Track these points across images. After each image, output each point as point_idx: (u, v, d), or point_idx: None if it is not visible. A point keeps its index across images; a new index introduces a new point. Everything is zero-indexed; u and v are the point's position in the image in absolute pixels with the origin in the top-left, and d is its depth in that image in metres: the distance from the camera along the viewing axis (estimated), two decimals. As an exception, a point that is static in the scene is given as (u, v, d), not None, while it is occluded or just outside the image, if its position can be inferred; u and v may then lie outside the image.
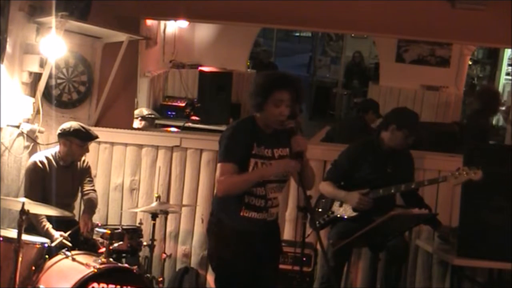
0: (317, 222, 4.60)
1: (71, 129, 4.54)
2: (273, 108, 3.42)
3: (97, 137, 4.69)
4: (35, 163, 4.52)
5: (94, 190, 4.84)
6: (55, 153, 4.62)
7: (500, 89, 10.62)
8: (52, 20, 4.48)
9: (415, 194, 4.68)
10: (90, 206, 4.71)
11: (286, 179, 3.57)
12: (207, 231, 3.66)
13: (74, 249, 4.28)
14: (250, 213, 3.49)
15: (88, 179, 4.81)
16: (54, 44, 4.57)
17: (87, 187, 4.78)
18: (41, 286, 4.03)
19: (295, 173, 3.38)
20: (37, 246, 4.12)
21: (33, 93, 4.94)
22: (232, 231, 3.52)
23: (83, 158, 4.76)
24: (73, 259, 4.12)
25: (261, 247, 3.55)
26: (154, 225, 4.58)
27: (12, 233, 4.06)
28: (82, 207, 4.92)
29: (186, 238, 5.35)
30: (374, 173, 4.49)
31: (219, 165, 3.45)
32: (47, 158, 4.57)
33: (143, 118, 6.35)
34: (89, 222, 4.55)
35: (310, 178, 3.57)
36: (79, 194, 4.82)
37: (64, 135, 4.56)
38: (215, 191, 5.20)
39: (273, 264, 3.68)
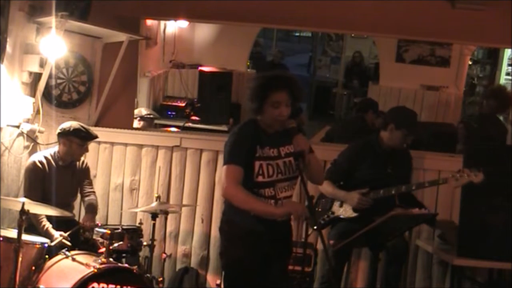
0: (317, 222, 4.60)
1: (71, 128, 4.54)
2: (272, 110, 3.41)
3: (96, 136, 4.68)
4: (34, 163, 4.52)
5: (94, 192, 4.83)
6: (54, 153, 4.62)
7: (500, 89, 10.60)
8: (52, 20, 4.47)
9: (411, 196, 4.65)
10: (91, 210, 4.69)
11: (296, 175, 3.54)
12: (219, 229, 3.67)
13: (74, 249, 4.28)
14: None
15: (87, 181, 4.81)
16: (54, 44, 4.57)
17: (87, 189, 4.78)
18: (41, 286, 4.02)
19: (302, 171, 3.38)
20: (37, 246, 4.11)
21: (33, 93, 4.94)
22: (241, 231, 3.52)
23: (82, 158, 4.76)
24: (73, 259, 4.12)
25: (270, 248, 3.54)
26: (154, 225, 4.58)
27: (12, 233, 4.06)
28: (82, 208, 4.94)
29: (186, 238, 5.34)
30: (374, 173, 4.49)
31: (224, 167, 3.44)
32: (46, 158, 4.57)
33: (141, 118, 6.34)
34: (91, 220, 4.55)
35: (317, 173, 3.61)
36: (79, 195, 4.82)
37: (64, 135, 4.55)
38: (215, 191, 5.26)
39: (282, 265, 3.67)
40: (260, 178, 3.44)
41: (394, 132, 4.47)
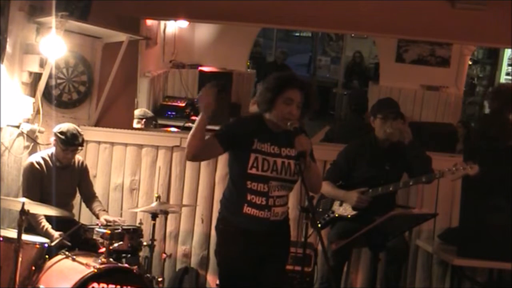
0: (318, 222, 4.60)
1: (58, 130, 4.51)
2: (283, 106, 3.42)
3: (80, 144, 4.56)
4: (31, 164, 4.52)
5: (99, 202, 4.85)
6: (52, 153, 4.61)
7: (500, 89, 10.60)
8: (52, 20, 4.48)
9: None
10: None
11: (293, 179, 3.53)
12: (215, 228, 3.68)
13: (74, 249, 4.29)
14: (252, 210, 3.47)
15: (89, 186, 4.82)
16: (54, 44, 4.57)
17: (94, 203, 4.82)
18: (41, 286, 4.03)
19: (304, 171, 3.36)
20: (37, 246, 4.12)
21: (33, 93, 4.94)
22: (236, 230, 3.52)
23: (80, 159, 4.78)
24: (73, 259, 4.12)
25: (266, 248, 3.53)
26: (154, 225, 4.58)
27: (12, 233, 4.06)
28: (83, 208, 4.94)
29: (186, 238, 5.34)
30: (372, 171, 4.49)
31: None
32: (43, 158, 4.56)
33: (140, 118, 6.27)
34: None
35: (314, 181, 3.53)
36: (78, 195, 4.82)
37: (54, 136, 4.55)
38: (215, 191, 5.26)
39: (277, 266, 3.63)
40: (253, 170, 3.43)
41: (375, 123, 4.54)
